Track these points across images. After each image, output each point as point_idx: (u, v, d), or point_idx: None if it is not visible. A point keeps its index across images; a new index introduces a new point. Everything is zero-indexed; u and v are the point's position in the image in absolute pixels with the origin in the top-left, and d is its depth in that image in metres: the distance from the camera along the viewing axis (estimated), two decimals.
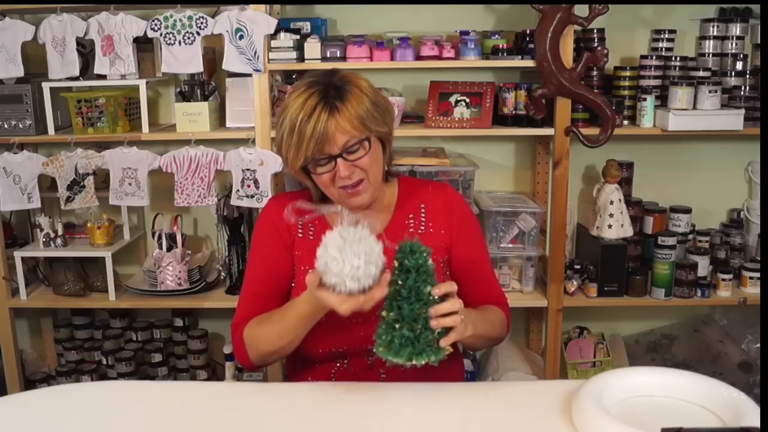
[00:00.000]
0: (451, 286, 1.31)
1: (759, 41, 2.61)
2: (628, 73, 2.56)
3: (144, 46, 2.63)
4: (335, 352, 1.56)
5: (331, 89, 1.46)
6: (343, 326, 1.50)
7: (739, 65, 2.61)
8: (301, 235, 1.61)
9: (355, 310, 1.27)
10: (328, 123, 1.43)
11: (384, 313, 1.28)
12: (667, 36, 2.65)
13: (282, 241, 1.60)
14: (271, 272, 1.57)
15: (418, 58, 2.45)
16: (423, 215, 1.62)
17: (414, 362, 1.27)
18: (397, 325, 1.26)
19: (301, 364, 1.64)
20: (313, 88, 1.47)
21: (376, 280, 1.27)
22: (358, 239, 1.25)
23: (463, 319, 1.33)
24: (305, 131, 1.43)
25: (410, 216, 1.62)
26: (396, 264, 1.27)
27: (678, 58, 2.57)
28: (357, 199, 1.51)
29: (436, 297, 1.29)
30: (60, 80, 2.49)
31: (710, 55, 2.65)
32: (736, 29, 2.62)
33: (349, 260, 1.23)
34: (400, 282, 1.27)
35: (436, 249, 1.50)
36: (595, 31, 2.52)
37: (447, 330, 1.30)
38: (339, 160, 1.46)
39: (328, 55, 2.44)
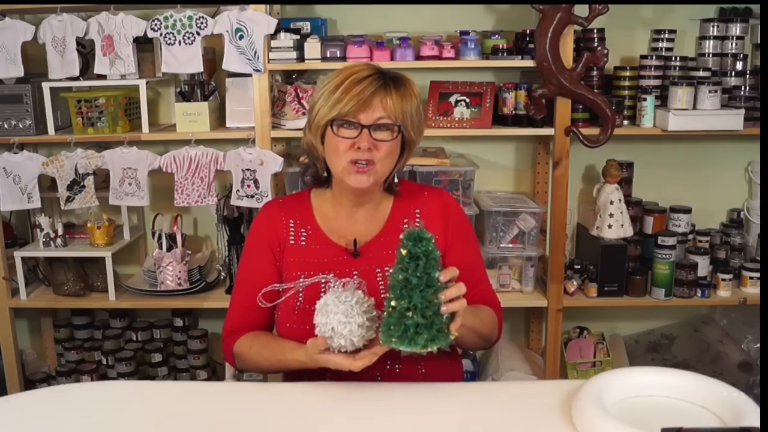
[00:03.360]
0: (454, 272, 1.33)
1: (759, 41, 2.61)
2: (628, 73, 2.56)
3: (144, 46, 2.63)
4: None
5: (389, 76, 1.53)
6: None
7: (739, 65, 2.61)
8: (293, 242, 1.62)
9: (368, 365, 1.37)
10: (376, 93, 1.49)
11: (394, 303, 1.28)
12: (667, 36, 2.65)
13: (271, 253, 1.63)
14: (258, 287, 1.59)
15: (418, 58, 2.45)
16: (418, 220, 1.63)
17: (429, 349, 1.29)
18: (409, 314, 1.27)
19: None
20: (371, 66, 1.55)
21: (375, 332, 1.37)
22: (356, 300, 1.36)
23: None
24: (351, 90, 1.49)
25: (405, 220, 1.63)
26: (403, 252, 1.28)
27: (678, 58, 2.57)
28: (360, 176, 1.52)
29: (443, 283, 1.30)
30: (60, 80, 2.49)
31: (710, 55, 2.65)
32: (736, 29, 2.62)
33: (356, 321, 1.34)
34: (409, 270, 1.27)
35: None
36: (595, 31, 2.52)
37: (452, 315, 1.32)
38: (364, 131, 1.49)
39: (328, 55, 2.44)
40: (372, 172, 1.52)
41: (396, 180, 1.64)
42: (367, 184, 1.53)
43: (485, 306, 1.62)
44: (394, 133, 1.52)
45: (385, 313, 1.31)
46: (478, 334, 1.55)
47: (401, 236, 1.29)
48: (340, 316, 1.34)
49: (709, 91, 2.44)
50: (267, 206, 1.71)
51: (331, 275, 1.50)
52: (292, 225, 1.63)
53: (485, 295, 1.65)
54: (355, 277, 1.48)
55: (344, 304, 1.35)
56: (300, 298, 1.57)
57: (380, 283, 1.56)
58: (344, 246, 1.60)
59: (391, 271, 1.32)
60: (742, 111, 2.47)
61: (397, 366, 1.56)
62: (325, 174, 1.62)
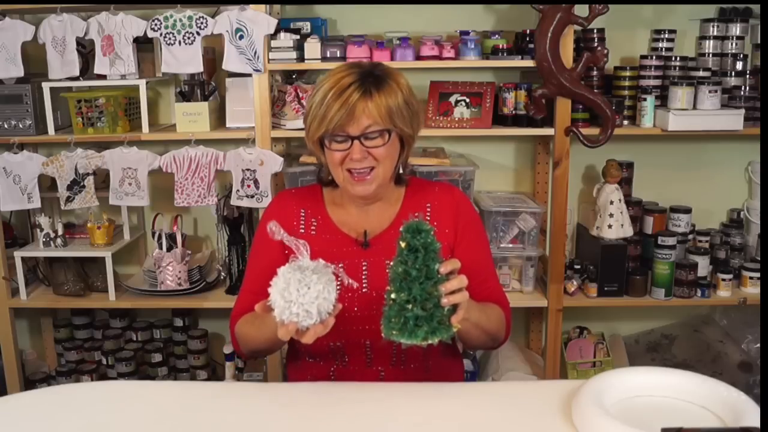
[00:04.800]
0: (455, 263, 1.32)
1: (759, 41, 2.61)
2: (628, 73, 2.56)
3: (144, 46, 2.63)
4: (332, 346, 1.57)
5: (370, 76, 1.50)
6: (340, 320, 1.50)
7: (739, 65, 2.61)
8: (303, 231, 1.63)
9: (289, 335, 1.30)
10: (358, 103, 1.47)
11: (393, 296, 1.28)
12: (667, 36, 2.65)
13: (280, 241, 1.61)
14: (266, 272, 1.58)
15: (418, 58, 2.45)
16: (429, 214, 1.64)
17: (429, 341, 1.28)
18: (409, 306, 1.27)
19: (300, 361, 1.65)
20: (354, 69, 1.51)
21: (329, 314, 1.30)
22: (317, 278, 1.27)
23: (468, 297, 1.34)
24: (334, 104, 1.46)
25: (416, 214, 1.63)
26: (402, 245, 1.28)
27: (678, 58, 2.57)
28: (361, 186, 1.52)
29: (444, 275, 1.30)
30: (60, 80, 2.49)
31: (710, 55, 2.65)
32: (736, 29, 2.62)
33: (305, 293, 1.26)
34: (408, 263, 1.27)
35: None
36: (595, 31, 2.52)
37: (453, 308, 1.31)
38: (355, 142, 1.48)
39: (328, 55, 2.44)
40: (372, 179, 1.52)
41: (401, 171, 1.63)
42: (370, 191, 1.54)
43: (493, 304, 1.61)
44: (386, 137, 1.51)
45: (385, 306, 1.30)
46: (485, 331, 1.54)
47: (400, 228, 1.29)
48: (293, 287, 1.26)
49: (709, 91, 2.44)
50: (279, 195, 1.73)
51: (340, 265, 1.49)
52: (302, 214, 1.64)
53: (493, 293, 1.64)
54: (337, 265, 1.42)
55: (302, 273, 1.28)
56: None
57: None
58: (354, 237, 1.61)
59: (391, 263, 1.31)
60: (742, 111, 2.47)
61: (402, 365, 1.56)
62: (330, 177, 1.62)
